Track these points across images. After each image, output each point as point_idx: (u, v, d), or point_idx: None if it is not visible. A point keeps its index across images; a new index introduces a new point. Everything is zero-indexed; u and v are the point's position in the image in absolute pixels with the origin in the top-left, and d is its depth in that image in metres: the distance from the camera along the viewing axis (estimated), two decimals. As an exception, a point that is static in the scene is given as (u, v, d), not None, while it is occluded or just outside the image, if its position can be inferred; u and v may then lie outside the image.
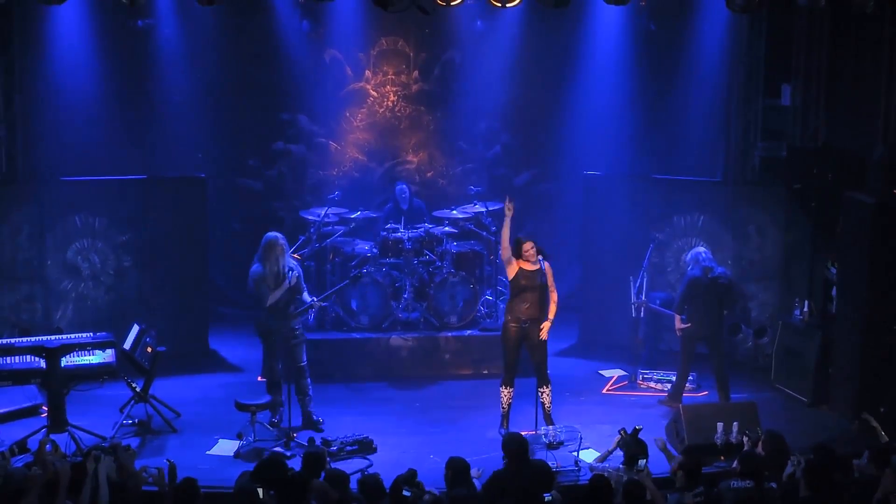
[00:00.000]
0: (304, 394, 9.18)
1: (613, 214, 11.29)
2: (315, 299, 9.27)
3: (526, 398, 9.30)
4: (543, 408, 9.09)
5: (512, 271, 8.87)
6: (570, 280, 12.21)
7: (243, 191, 12.45)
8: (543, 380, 9.06)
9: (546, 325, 8.96)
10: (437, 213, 11.38)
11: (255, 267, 9.01)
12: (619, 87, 11.96)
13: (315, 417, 9.26)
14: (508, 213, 8.75)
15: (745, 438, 8.00)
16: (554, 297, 8.98)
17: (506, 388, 9.08)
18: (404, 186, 11.57)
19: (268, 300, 8.87)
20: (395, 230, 10.97)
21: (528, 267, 8.90)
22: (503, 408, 9.13)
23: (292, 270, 9.03)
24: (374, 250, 10.87)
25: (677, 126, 11.79)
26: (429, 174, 12.66)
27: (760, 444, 7.49)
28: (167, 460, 6.90)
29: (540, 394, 9.08)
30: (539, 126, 12.50)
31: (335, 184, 12.22)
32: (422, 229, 11.01)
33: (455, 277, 10.76)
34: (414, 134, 12.59)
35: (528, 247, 8.87)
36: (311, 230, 10.97)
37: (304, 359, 9.20)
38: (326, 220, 10.99)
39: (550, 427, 8.93)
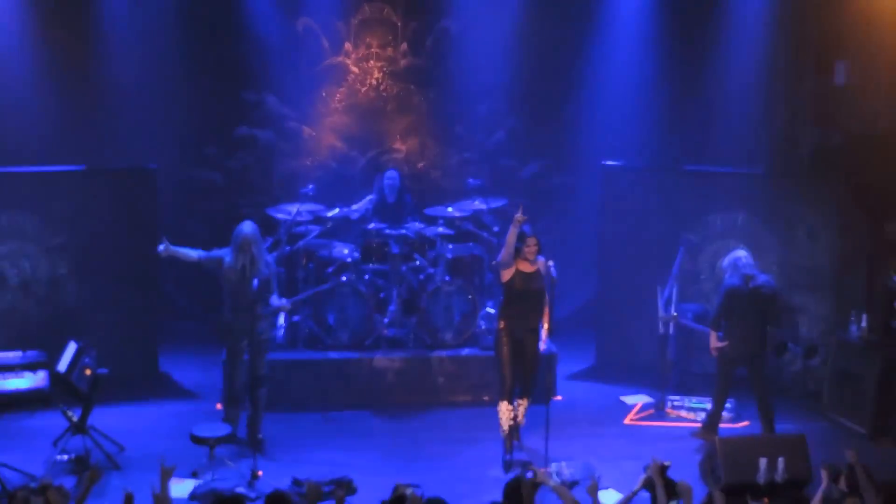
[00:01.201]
0: (257, 406, 9.36)
1: (637, 212, 11.32)
2: (286, 302, 9.38)
3: (536, 428, 9.34)
4: (515, 421, 9.28)
5: (508, 274, 9.07)
6: (585, 290, 12.27)
7: (200, 184, 12.43)
8: (526, 391, 9.31)
9: (543, 336, 9.26)
10: (429, 212, 11.34)
11: (225, 253, 9.25)
12: (645, 64, 12.08)
13: (260, 435, 9.38)
14: (518, 221, 8.88)
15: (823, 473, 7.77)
16: (545, 298, 9.22)
17: (505, 406, 9.23)
18: (395, 174, 11.51)
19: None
20: (380, 230, 10.99)
21: (526, 268, 9.11)
22: (503, 430, 9.26)
23: (268, 267, 9.24)
24: (356, 254, 10.85)
25: (713, 109, 11.91)
26: (420, 165, 12.66)
27: (843, 479, 7.39)
28: (125, 490, 6.78)
29: (517, 405, 9.29)
30: (550, 109, 12.53)
31: (309, 176, 12.21)
32: (411, 229, 11.03)
33: (450, 286, 10.75)
34: (402, 117, 12.60)
35: (532, 242, 9.04)
36: (281, 231, 10.96)
37: (265, 368, 9.41)
38: (298, 218, 10.97)
39: (563, 463, 8.98)
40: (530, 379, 9.30)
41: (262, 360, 9.40)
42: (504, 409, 9.21)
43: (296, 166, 12.52)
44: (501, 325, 9.18)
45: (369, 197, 11.55)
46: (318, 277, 10.95)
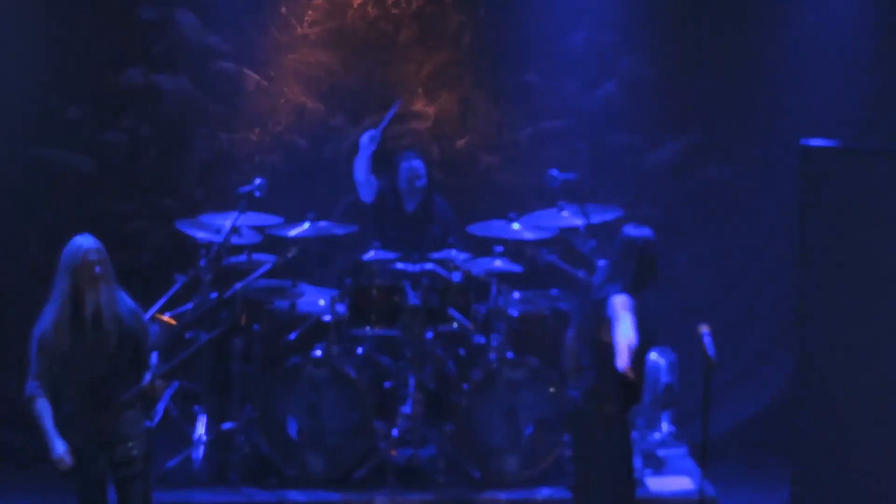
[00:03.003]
0: None
1: (869, 231, 10.63)
2: (147, 378, 9.03)
3: None
4: None
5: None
6: (769, 379, 12.46)
7: (56, 173, 12.41)
8: None
9: None
10: (477, 230, 11.34)
11: (44, 311, 9.02)
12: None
13: None
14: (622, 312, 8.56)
15: None
16: None
17: None
18: (417, 164, 11.45)
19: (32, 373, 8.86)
20: (387, 264, 11.06)
21: None
22: None
23: (132, 314, 9.07)
24: (340, 308, 10.86)
25: None
26: (460, 143, 12.52)
27: None
28: None
29: None
30: (699, 47, 12.61)
31: (255, 162, 12.33)
32: (443, 263, 11.15)
33: (516, 371, 10.76)
34: (429, 55, 12.59)
35: None
36: (202, 263, 10.86)
37: None
38: (235, 240, 10.92)
39: None
40: None
41: (137, 495, 9.02)
42: None
43: (231, 142, 12.50)
44: (614, 412, 8.82)
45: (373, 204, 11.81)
46: (269, 352, 10.92)
